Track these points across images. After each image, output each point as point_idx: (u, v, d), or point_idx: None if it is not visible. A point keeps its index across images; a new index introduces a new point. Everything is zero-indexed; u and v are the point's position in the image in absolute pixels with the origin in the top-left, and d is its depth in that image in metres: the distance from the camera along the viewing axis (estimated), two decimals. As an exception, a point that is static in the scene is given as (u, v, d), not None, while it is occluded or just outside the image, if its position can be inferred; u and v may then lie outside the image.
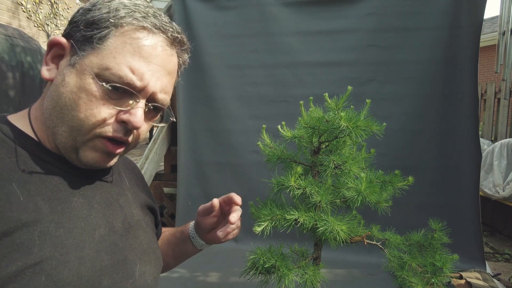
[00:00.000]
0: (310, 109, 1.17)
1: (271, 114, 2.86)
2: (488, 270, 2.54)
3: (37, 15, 6.71)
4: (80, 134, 0.61)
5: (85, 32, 0.61)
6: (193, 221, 0.96)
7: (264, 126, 1.27)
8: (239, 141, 2.95)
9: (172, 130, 3.25)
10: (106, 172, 0.72)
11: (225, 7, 2.93)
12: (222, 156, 2.99)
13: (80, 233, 0.61)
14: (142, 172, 2.79)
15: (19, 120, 0.65)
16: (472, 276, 2.29)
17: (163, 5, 3.36)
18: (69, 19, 0.66)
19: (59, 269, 0.56)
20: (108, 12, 0.61)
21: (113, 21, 0.60)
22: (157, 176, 3.45)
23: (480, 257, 2.55)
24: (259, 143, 1.25)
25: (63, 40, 0.63)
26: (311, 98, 1.23)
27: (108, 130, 0.61)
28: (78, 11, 0.65)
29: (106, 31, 0.60)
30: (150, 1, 7.25)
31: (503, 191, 3.73)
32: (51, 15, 7.14)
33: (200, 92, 3.01)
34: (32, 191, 0.58)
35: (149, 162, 2.94)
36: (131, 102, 0.62)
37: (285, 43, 2.88)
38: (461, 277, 2.27)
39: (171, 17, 3.00)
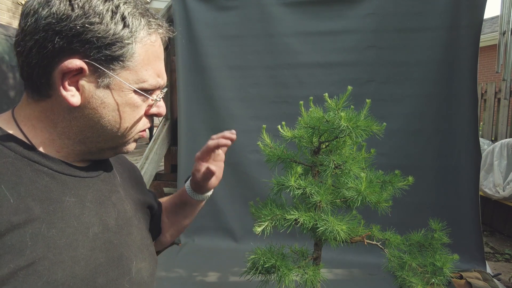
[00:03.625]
0: (310, 109, 1.17)
1: (271, 115, 2.86)
2: (488, 270, 2.54)
3: (37, 15, 6.70)
4: (124, 138, 0.68)
5: (110, 51, 0.61)
6: (187, 182, 0.98)
7: (264, 126, 1.27)
8: (240, 141, 2.93)
9: (173, 130, 3.25)
10: (97, 170, 0.72)
11: (226, 8, 2.93)
12: (222, 156, 2.99)
13: (73, 232, 0.61)
14: (142, 172, 2.80)
15: (4, 122, 0.64)
16: (472, 276, 2.29)
17: (163, 5, 3.35)
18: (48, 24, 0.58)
19: (52, 269, 0.56)
20: (127, 27, 0.62)
21: (134, 37, 0.63)
22: (157, 176, 3.44)
23: (480, 257, 2.55)
24: (259, 143, 1.25)
25: (83, 65, 0.60)
26: (311, 98, 1.23)
27: (146, 125, 0.72)
28: (61, 16, 0.58)
29: (131, 47, 0.63)
30: (150, 1, 7.25)
31: (503, 191, 3.73)
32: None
33: (201, 92, 3.01)
34: (22, 192, 0.57)
35: (149, 162, 2.94)
36: (155, 96, 0.70)
37: (286, 44, 2.88)
38: (461, 277, 2.27)
39: (171, 18, 3.01)
